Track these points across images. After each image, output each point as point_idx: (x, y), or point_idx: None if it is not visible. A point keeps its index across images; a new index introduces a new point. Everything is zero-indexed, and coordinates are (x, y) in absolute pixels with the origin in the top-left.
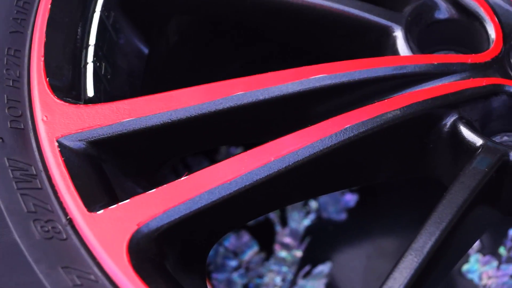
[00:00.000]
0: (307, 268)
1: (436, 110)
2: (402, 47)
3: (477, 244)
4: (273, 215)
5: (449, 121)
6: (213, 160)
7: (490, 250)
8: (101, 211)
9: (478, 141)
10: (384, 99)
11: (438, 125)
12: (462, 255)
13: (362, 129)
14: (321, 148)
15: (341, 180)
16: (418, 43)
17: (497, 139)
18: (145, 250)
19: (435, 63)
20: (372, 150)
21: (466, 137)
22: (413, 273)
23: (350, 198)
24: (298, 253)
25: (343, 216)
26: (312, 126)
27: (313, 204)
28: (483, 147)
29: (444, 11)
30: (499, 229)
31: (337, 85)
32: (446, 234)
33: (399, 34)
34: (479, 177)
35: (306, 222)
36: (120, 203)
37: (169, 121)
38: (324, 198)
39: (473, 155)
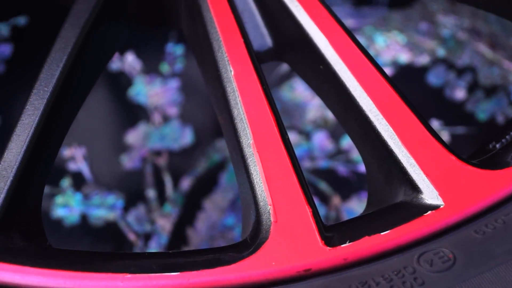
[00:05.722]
0: None
1: None
2: None
3: (140, 65)
4: None
5: None
6: None
7: (152, 68)
8: None
9: None
10: None
11: None
12: (98, 74)
13: None
14: None
15: None
16: None
17: None
18: None
19: None
20: None
21: None
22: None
23: None
24: None
25: None
26: None
27: None
28: None
29: None
30: (157, 46)
31: None
32: (74, 57)
33: None
34: None
35: None
36: None
37: None
38: None
39: None
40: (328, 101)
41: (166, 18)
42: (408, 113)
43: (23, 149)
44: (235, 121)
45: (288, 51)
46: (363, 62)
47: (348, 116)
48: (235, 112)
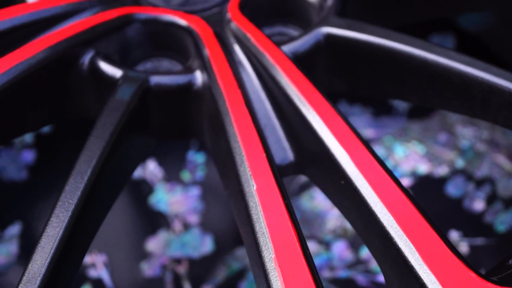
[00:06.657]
0: None
1: (70, 50)
2: None
3: (161, 173)
4: None
5: (87, 58)
6: None
7: (173, 176)
8: None
9: (117, 72)
10: (18, 48)
11: (77, 64)
12: (123, 186)
13: None
14: None
15: None
16: None
17: (141, 67)
18: None
19: (63, 4)
20: (14, 101)
21: (105, 71)
22: (66, 225)
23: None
24: None
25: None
26: None
27: None
28: (124, 78)
29: None
30: (178, 154)
31: None
32: (99, 169)
33: None
34: (124, 108)
35: None
36: None
37: None
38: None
39: (115, 87)
40: (349, 216)
41: (190, 130)
42: (428, 228)
43: (47, 261)
44: (257, 235)
45: (310, 166)
46: (383, 177)
47: (369, 231)
48: (257, 227)
